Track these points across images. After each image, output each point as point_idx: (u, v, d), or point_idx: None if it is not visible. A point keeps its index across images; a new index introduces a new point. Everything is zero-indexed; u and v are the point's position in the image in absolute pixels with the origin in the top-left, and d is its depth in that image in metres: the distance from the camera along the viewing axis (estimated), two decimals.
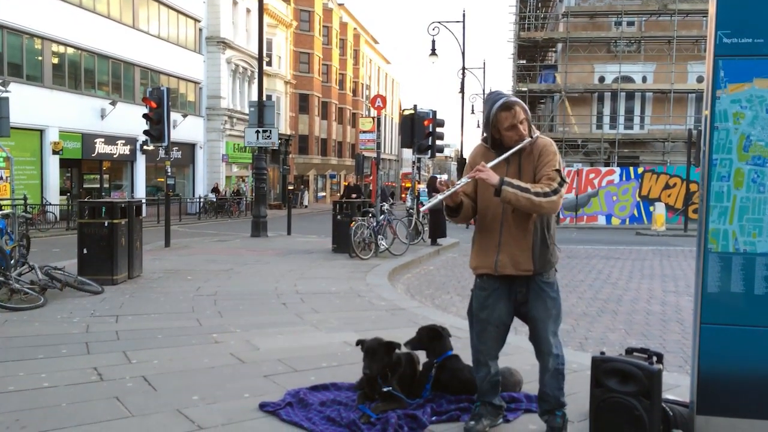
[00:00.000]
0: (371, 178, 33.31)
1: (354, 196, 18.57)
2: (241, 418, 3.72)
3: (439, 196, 3.36)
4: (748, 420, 3.19)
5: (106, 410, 3.82)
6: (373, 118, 18.14)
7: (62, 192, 23.81)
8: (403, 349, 4.01)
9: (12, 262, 7.76)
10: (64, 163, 23.98)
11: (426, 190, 20.70)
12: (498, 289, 3.43)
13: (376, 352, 3.76)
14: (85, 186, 25.71)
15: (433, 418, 3.68)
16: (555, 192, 3.23)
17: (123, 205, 9.01)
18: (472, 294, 3.59)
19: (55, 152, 22.98)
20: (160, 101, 13.27)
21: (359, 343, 3.91)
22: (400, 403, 3.76)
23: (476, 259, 3.49)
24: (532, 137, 3.36)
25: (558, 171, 3.28)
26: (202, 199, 30.40)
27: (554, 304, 3.41)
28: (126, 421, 3.68)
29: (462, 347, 4.29)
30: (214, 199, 30.82)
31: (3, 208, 11.78)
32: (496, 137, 3.41)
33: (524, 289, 3.40)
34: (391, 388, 3.77)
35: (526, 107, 3.39)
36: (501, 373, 4.05)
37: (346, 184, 20.68)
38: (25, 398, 4.02)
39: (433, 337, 4.09)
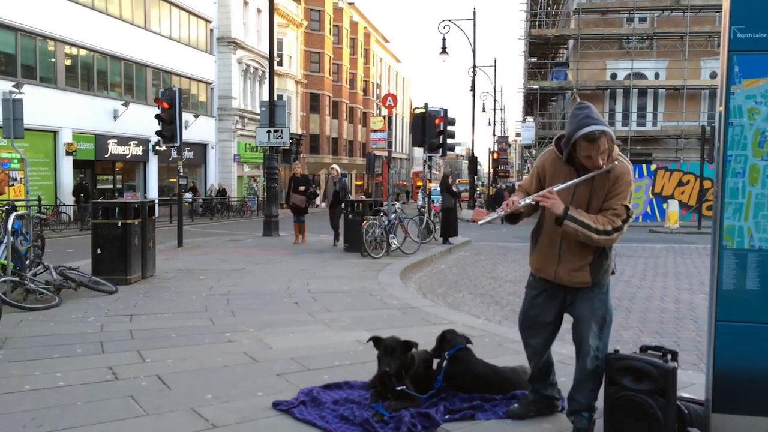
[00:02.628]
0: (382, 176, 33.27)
1: (302, 189, 14.98)
2: (255, 417, 3.74)
3: (498, 212, 3.42)
4: (765, 418, 3.16)
5: (121, 409, 3.85)
6: (384, 117, 18.10)
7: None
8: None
9: (27, 262, 7.82)
10: (78, 164, 24.16)
11: (438, 188, 20.66)
12: (549, 290, 3.47)
13: (395, 350, 3.77)
14: (98, 187, 25.91)
15: (446, 417, 3.67)
16: (617, 230, 3.20)
17: (136, 206, 9.07)
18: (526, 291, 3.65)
19: (68, 153, 23.17)
20: (172, 102, 13.33)
21: (373, 340, 3.92)
22: (413, 402, 3.75)
23: (537, 261, 3.50)
24: (608, 164, 3.21)
25: (626, 207, 3.21)
26: (214, 199, 30.47)
27: (601, 306, 3.35)
28: (141, 419, 3.71)
29: (475, 344, 4.28)
30: (190, 200, 28.77)
31: (18, 209, 11.88)
32: (572, 154, 3.29)
33: (575, 293, 3.40)
34: (404, 387, 3.77)
35: (613, 136, 3.21)
36: (516, 371, 4.05)
37: (293, 174, 15.99)
38: (40, 397, 4.05)
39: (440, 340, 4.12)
